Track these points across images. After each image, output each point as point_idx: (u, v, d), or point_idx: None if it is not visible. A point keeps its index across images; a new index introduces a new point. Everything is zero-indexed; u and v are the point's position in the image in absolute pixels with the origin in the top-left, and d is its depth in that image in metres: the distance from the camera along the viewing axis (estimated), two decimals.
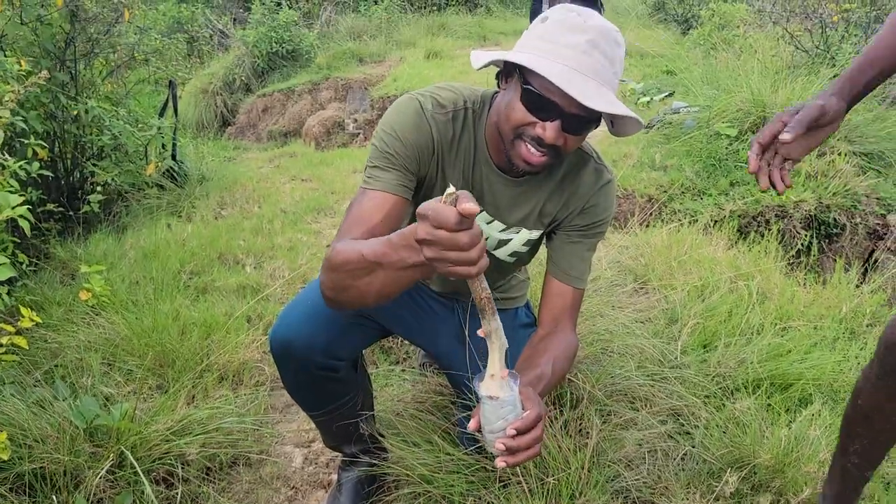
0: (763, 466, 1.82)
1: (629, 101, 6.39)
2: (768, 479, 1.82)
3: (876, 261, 3.96)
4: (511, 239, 1.66)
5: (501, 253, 1.69)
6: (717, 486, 1.78)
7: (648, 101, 6.18)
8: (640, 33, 9.59)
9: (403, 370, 2.52)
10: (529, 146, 1.39)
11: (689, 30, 9.70)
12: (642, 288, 3.03)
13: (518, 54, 1.35)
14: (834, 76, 5.17)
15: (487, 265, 1.04)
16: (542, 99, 1.33)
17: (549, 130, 1.35)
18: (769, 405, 2.18)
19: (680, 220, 3.90)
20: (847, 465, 1.58)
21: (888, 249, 4.00)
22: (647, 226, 3.86)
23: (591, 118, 1.36)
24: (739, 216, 4.01)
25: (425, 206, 1.01)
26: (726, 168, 4.40)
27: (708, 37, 7.84)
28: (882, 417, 1.48)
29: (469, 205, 0.98)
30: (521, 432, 1.21)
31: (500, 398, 1.23)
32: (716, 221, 3.91)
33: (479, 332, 1.17)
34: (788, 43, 6.43)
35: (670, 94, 6.23)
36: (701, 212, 3.96)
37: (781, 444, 1.87)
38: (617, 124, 1.47)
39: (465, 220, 0.99)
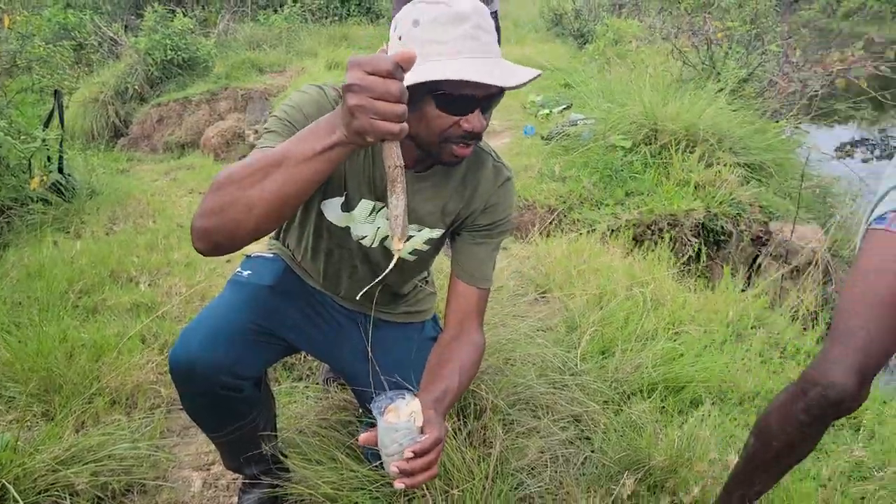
0: (658, 468, 1.89)
1: (529, 113, 6.54)
2: (663, 479, 1.89)
3: (759, 266, 4.20)
4: (412, 236, 1.66)
5: (403, 251, 1.68)
6: (615, 489, 1.83)
7: (548, 114, 6.34)
8: (539, 47, 9.84)
9: (307, 386, 2.48)
10: (459, 144, 1.40)
11: (585, 44, 10.01)
12: (543, 297, 3.09)
13: (427, 71, 1.30)
14: (719, 90, 5.46)
15: (407, 131, 1.04)
16: (459, 98, 1.34)
17: (474, 121, 1.36)
18: (663, 408, 2.27)
19: (579, 229, 4.01)
20: (749, 494, 1.63)
21: (770, 255, 4.25)
22: (548, 236, 3.95)
23: (500, 93, 1.39)
24: (635, 225, 4.16)
25: (358, 56, 1.01)
26: (622, 179, 4.57)
27: (602, 51, 8.13)
28: (793, 457, 1.51)
29: (408, 53, 0.99)
30: (418, 455, 1.22)
31: (395, 424, 1.25)
32: (612, 231, 4.04)
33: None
34: (677, 58, 6.74)
35: (568, 107, 6.41)
36: (599, 221, 4.09)
37: (675, 445, 1.95)
38: None
39: (400, 71, 1.00)
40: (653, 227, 4.19)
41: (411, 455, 1.22)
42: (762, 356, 2.72)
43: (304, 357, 2.66)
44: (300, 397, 2.37)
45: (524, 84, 1.39)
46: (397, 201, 1.12)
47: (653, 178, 4.55)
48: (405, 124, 1.03)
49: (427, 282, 2.02)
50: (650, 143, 4.81)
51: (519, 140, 5.69)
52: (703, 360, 2.50)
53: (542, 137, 5.50)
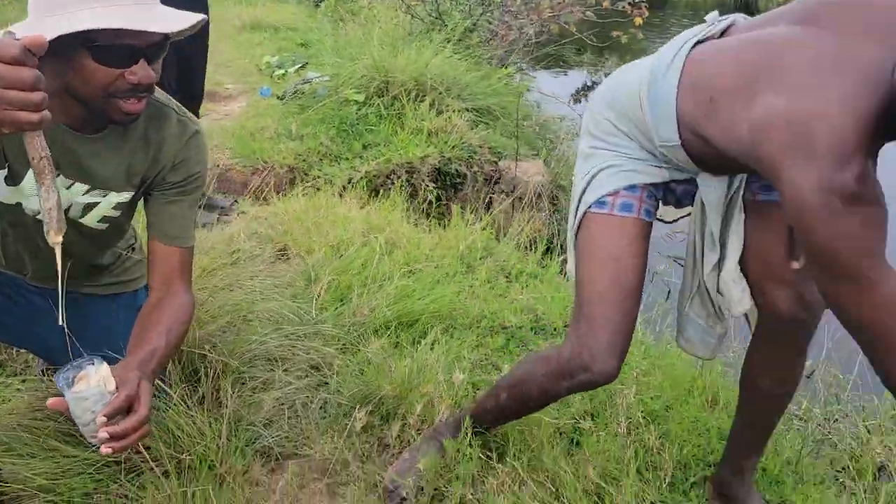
0: (389, 397, 1.98)
1: (265, 74, 6.39)
2: (395, 407, 1.99)
3: (492, 202, 4.50)
4: (98, 202, 1.55)
5: (90, 219, 1.57)
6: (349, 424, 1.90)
7: (283, 74, 6.23)
8: (272, 7, 9.59)
9: (24, 381, 2.27)
10: (129, 99, 1.33)
11: (320, 3, 9.92)
12: (282, 254, 3.08)
13: (74, 21, 1.23)
14: (445, 39, 5.69)
15: (50, 120, 0.97)
16: (118, 49, 1.26)
17: (140, 73, 1.29)
18: (398, 343, 2.37)
19: (318, 186, 4.02)
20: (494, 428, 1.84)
21: (501, 192, 4.56)
22: (287, 195, 3.92)
23: (165, 41, 1.34)
24: (374, 176, 4.25)
25: None
26: (358, 132, 4.63)
27: (335, 9, 8.12)
28: (541, 408, 1.71)
29: (37, 37, 0.91)
30: (112, 416, 1.17)
31: (83, 392, 1.19)
32: (352, 183, 4.10)
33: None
34: (405, 13, 6.90)
35: (304, 66, 6.34)
36: (338, 175, 4.13)
37: (405, 374, 2.05)
38: None
39: (31, 57, 0.92)
40: (391, 177, 4.30)
41: (104, 419, 1.17)
42: (490, 282, 2.93)
43: (18, 352, 2.43)
44: (13, 394, 2.17)
45: (187, 30, 1.35)
46: (48, 194, 1.05)
47: (388, 128, 4.67)
48: (46, 112, 0.96)
49: (134, 249, 1.92)
50: (383, 96, 4.91)
51: (255, 102, 5.53)
52: (434, 292, 2.64)
53: (278, 98, 5.40)
